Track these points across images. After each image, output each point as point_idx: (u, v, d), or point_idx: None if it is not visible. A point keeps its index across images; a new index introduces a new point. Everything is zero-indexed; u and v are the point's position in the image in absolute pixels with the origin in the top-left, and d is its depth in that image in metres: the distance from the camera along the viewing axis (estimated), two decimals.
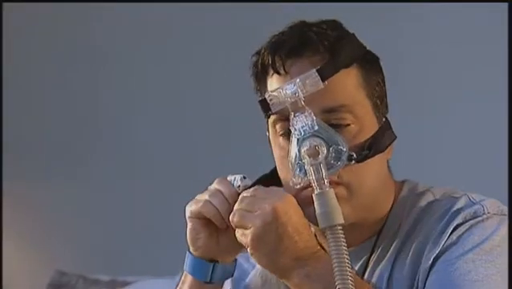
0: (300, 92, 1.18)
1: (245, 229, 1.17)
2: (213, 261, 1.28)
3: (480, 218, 1.22)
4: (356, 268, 1.29)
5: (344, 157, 1.19)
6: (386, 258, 1.27)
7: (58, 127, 3.09)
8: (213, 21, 2.88)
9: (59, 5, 3.05)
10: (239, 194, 1.24)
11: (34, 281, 2.95)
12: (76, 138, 3.06)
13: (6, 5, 3.03)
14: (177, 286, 1.33)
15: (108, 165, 3.02)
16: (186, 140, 2.92)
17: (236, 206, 1.19)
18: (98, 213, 3.00)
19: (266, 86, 1.27)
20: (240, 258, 1.39)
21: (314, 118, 1.18)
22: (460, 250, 1.19)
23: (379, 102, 1.27)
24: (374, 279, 1.27)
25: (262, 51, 1.26)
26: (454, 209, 1.24)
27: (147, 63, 2.99)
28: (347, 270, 1.11)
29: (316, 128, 1.18)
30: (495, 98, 2.36)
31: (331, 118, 1.21)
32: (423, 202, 1.29)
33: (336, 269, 1.11)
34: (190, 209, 1.27)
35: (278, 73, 1.24)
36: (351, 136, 1.21)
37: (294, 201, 1.18)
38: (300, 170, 1.19)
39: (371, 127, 1.24)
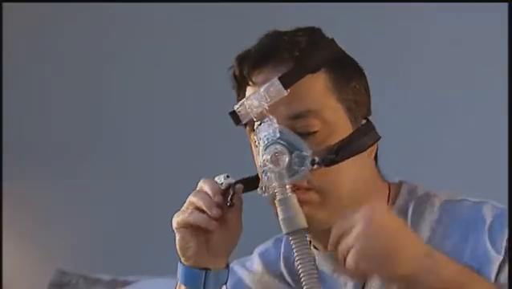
0: (264, 102, 1.20)
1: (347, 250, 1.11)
2: (205, 269, 1.28)
3: None
4: None
5: (308, 162, 1.19)
6: None
7: (58, 127, 3.09)
8: (212, 21, 2.88)
9: (59, 5, 3.04)
10: (222, 190, 1.25)
11: (35, 281, 2.95)
12: (76, 138, 3.06)
13: (5, 5, 3.03)
14: None
15: (109, 165, 3.01)
16: (187, 140, 2.91)
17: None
18: (98, 213, 3.00)
19: (244, 96, 1.28)
20: (234, 265, 1.39)
21: (277, 125, 1.19)
22: None
23: (355, 105, 1.26)
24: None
25: (233, 64, 1.28)
26: (495, 217, 1.25)
27: (147, 63, 2.99)
28: (313, 273, 1.12)
29: (278, 135, 1.19)
30: (495, 98, 2.36)
31: (297, 125, 1.22)
32: (433, 208, 1.28)
33: (302, 272, 1.13)
34: (177, 220, 1.28)
35: (248, 84, 1.25)
36: (318, 142, 1.22)
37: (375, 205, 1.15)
38: (267, 178, 1.19)
39: (343, 130, 1.24)
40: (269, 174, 1.18)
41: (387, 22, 2.59)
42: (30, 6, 3.07)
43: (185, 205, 1.28)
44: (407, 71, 2.53)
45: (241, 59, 1.27)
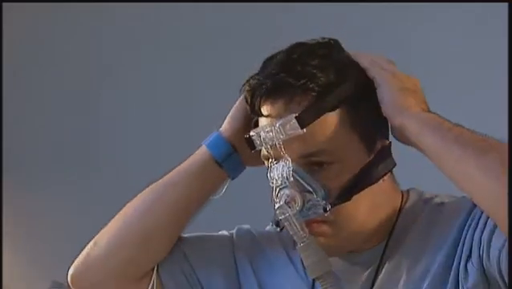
0: (277, 139, 1.18)
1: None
2: (234, 148, 1.30)
3: None
4: (365, 275, 1.28)
5: (319, 210, 1.19)
6: (403, 264, 1.26)
7: (58, 132, 3.08)
8: (213, 21, 2.88)
9: (59, 5, 3.05)
10: None
11: None
12: (77, 144, 3.06)
13: (5, 5, 3.04)
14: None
15: (109, 175, 3.00)
16: (187, 147, 2.90)
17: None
18: (97, 225, 2.98)
19: (257, 120, 1.27)
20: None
21: (291, 166, 1.17)
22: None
23: (371, 126, 1.23)
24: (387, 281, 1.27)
25: (245, 92, 1.25)
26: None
27: (148, 66, 2.99)
28: None
29: (291, 179, 1.18)
30: (495, 98, 2.36)
31: (311, 161, 1.20)
32: (434, 205, 1.29)
33: None
34: None
35: (260, 115, 1.23)
36: (331, 176, 1.20)
37: None
38: (281, 219, 1.19)
39: (358, 163, 1.22)
40: (282, 217, 1.18)
41: (387, 22, 2.59)
42: (30, 6, 3.07)
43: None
44: (406, 71, 2.53)
45: (253, 90, 1.23)
